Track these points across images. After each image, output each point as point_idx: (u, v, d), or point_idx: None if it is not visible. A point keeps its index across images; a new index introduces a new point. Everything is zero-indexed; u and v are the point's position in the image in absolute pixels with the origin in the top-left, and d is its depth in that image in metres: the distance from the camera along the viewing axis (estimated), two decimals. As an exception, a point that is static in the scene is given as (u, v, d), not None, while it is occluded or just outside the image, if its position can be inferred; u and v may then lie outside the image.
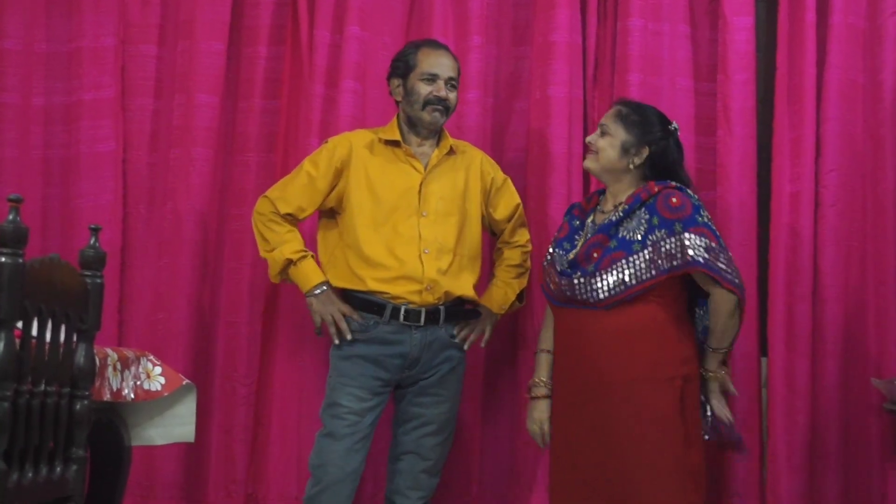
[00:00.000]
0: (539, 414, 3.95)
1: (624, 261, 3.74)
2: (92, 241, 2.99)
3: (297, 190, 4.09)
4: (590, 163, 3.94)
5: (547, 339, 4.01)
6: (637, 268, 3.75)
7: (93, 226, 3.04)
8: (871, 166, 4.60)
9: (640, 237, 3.75)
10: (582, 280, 3.77)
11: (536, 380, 3.99)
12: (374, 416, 4.03)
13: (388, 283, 3.98)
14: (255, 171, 4.64)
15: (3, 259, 2.48)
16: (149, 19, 4.71)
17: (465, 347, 4.13)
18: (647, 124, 3.88)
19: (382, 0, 4.68)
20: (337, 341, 4.01)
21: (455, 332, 4.10)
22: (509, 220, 4.27)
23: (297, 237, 4.11)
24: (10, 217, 2.51)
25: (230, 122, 4.69)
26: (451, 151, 4.18)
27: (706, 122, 4.69)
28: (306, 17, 4.65)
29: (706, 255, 3.69)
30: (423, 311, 4.00)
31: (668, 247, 3.74)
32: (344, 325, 3.97)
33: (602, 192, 4.03)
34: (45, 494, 2.76)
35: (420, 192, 4.07)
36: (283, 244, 4.06)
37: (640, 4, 4.64)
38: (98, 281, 2.95)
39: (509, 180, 4.31)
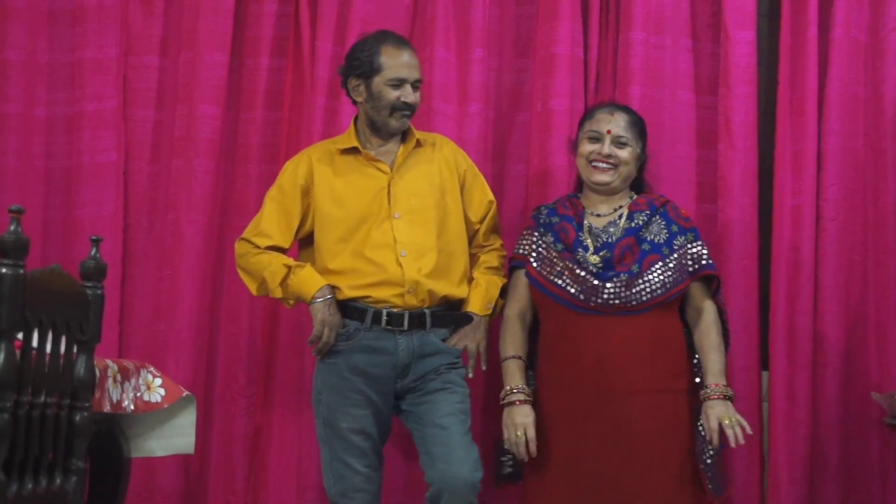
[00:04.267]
0: (522, 419, 3.83)
1: (660, 263, 3.81)
2: (93, 252, 2.99)
3: (270, 220, 4.03)
4: (609, 177, 3.93)
5: (516, 346, 3.95)
6: (671, 271, 3.84)
7: (94, 237, 3.04)
8: (872, 180, 4.61)
9: (663, 241, 3.82)
10: (626, 281, 3.77)
11: (511, 387, 3.89)
12: (380, 434, 3.95)
13: (368, 288, 3.90)
14: (256, 181, 4.63)
15: (4, 270, 2.48)
16: (151, 30, 4.71)
17: (472, 371, 4.00)
18: (645, 130, 3.97)
19: (384, 12, 4.67)
20: (318, 356, 3.94)
21: (447, 335, 3.99)
22: (482, 220, 4.17)
23: (285, 257, 4.04)
24: (11, 228, 2.51)
25: (232, 133, 4.69)
26: (419, 144, 4.10)
27: (708, 136, 4.69)
28: (308, 28, 4.66)
29: (712, 265, 3.89)
30: (407, 314, 3.91)
31: (692, 251, 3.90)
32: (329, 343, 3.88)
33: (575, 196, 4.05)
34: (45, 506, 2.76)
35: (389, 193, 4.00)
36: (272, 261, 3.97)
37: (642, 18, 4.64)
38: (99, 292, 2.95)
39: (481, 175, 4.24)
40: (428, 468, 3.87)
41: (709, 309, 3.89)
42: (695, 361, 3.93)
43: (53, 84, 4.70)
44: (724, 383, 3.82)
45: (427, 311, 3.95)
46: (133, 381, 3.33)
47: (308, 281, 3.91)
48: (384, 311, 3.91)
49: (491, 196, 4.23)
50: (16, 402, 2.53)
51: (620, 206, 3.96)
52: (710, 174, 4.66)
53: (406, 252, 3.93)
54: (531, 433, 3.80)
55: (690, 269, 3.88)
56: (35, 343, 2.64)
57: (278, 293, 3.97)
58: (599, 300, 3.80)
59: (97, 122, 4.64)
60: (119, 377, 3.24)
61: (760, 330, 4.56)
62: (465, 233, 4.13)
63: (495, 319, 4.12)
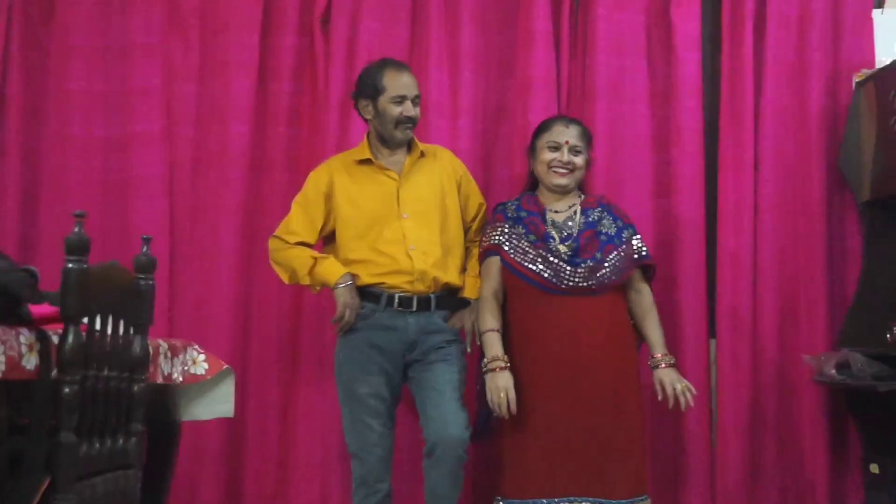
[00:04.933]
0: (504, 382, 3.79)
1: (615, 252, 3.86)
2: (144, 250, 2.99)
3: (298, 221, 4.05)
4: (567, 180, 3.96)
5: (492, 321, 3.92)
6: (622, 259, 3.87)
7: (145, 236, 3.05)
8: (800, 178, 4.63)
9: (614, 233, 3.89)
10: (591, 267, 3.81)
11: (492, 355, 3.85)
12: (393, 398, 3.98)
13: (383, 276, 3.93)
14: (281, 189, 4.64)
15: (70, 265, 2.49)
16: (189, 62, 4.72)
17: (469, 347, 4.03)
18: (592, 141, 4.05)
19: (387, 43, 4.67)
20: (340, 333, 3.97)
21: (447, 316, 4.02)
22: (474, 219, 4.20)
23: (311, 250, 4.06)
24: (76, 230, 2.51)
25: (260, 148, 4.70)
26: (422, 155, 4.12)
27: (662, 142, 4.71)
28: (322, 58, 4.68)
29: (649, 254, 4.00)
30: (415, 298, 3.94)
31: (634, 243, 3.95)
32: (350, 322, 3.92)
33: (530, 193, 4.06)
34: (110, 463, 2.76)
35: (398, 196, 4.02)
36: (301, 253, 4.01)
37: (605, 43, 4.67)
38: (150, 283, 2.96)
39: (474, 181, 4.26)
40: (425, 427, 3.92)
41: (646, 291, 4.00)
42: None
43: (108, 109, 4.71)
44: (667, 352, 3.94)
45: (432, 296, 3.98)
46: (181, 357, 3.33)
47: (331, 269, 3.94)
48: (396, 296, 3.93)
49: (482, 199, 4.25)
50: (84, 377, 2.55)
51: (574, 204, 3.98)
52: (665, 174, 4.69)
53: (414, 246, 3.95)
54: (512, 395, 3.78)
55: (635, 256, 3.94)
56: (98, 327, 2.64)
57: (306, 280, 4.00)
58: (571, 283, 3.81)
59: (145, 141, 4.65)
60: (169, 354, 3.24)
61: (708, 304, 4.59)
62: (462, 230, 4.16)
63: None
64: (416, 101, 4.03)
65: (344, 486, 4.43)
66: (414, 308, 3.95)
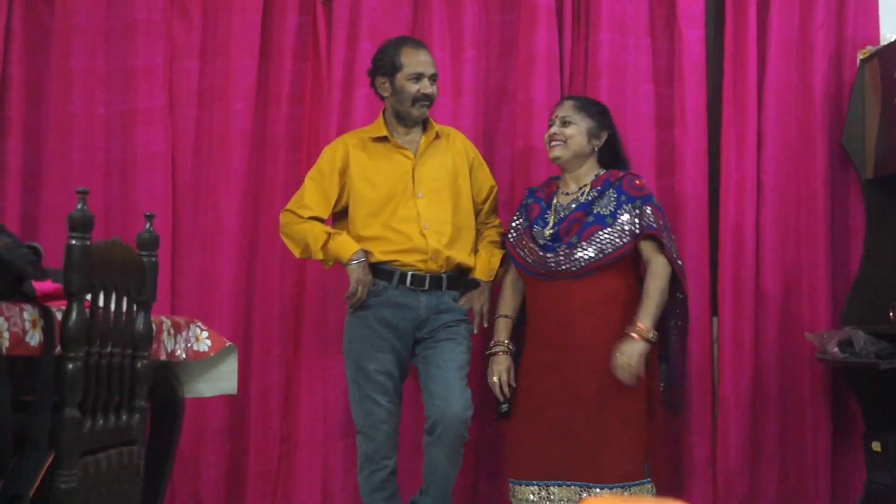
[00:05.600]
0: (498, 367, 3.93)
1: (601, 232, 3.77)
2: (147, 227, 2.98)
3: (311, 196, 4.05)
4: (560, 152, 3.92)
5: (506, 307, 4.00)
6: (611, 237, 3.77)
7: (147, 213, 3.04)
8: (804, 157, 4.62)
9: (609, 213, 3.78)
10: (566, 251, 3.78)
11: (494, 341, 3.98)
12: (401, 375, 4.00)
13: (396, 254, 3.94)
14: (283, 167, 4.65)
15: (74, 242, 2.48)
16: (191, 41, 4.71)
17: (477, 328, 4.04)
18: (604, 113, 3.96)
19: (388, 21, 4.66)
20: (352, 309, 3.99)
21: (457, 296, 4.04)
22: (485, 201, 4.21)
23: (325, 225, 4.08)
24: (79, 207, 2.50)
25: (261, 127, 4.69)
26: (437, 136, 4.13)
27: (664, 121, 4.70)
28: (324, 37, 4.66)
29: (659, 227, 3.78)
30: (428, 276, 3.96)
31: (632, 216, 3.80)
32: (362, 298, 3.93)
33: (557, 178, 4.04)
34: (114, 439, 2.76)
35: (413, 175, 4.03)
36: (314, 228, 4.01)
37: (608, 21, 4.64)
38: (153, 259, 2.95)
39: (485, 164, 4.27)
40: (427, 403, 3.94)
41: (656, 262, 3.81)
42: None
43: (110, 88, 4.70)
44: (647, 326, 3.72)
45: (444, 276, 3.99)
46: (184, 333, 3.32)
47: (345, 246, 3.95)
48: (409, 274, 3.95)
49: (493, 182, 4.27)
50: (87, 353, 2.54)
51: (585, 185, 3.95)
52: (668, 153, 4.67)
53: (428, 226, 3.97)
54: (504, 378, 3.90)
55: (637, 230, 3.81)
56: (101, 303, 2.63)
57: (319, 255, 4.00)
58: (549, 268, 3.81)
59: (148, 120, 4.65)
60: (172, 331, 3.23)
61: (711, 283, 4.58)
62: (473, 212, 4.16)
63: (496, 284, 4.17)
64: (433, 79, 4.04)
65: (346, 462, 4.45)
66: (426, 287, 3.96)
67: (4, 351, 2.33)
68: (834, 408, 4.53)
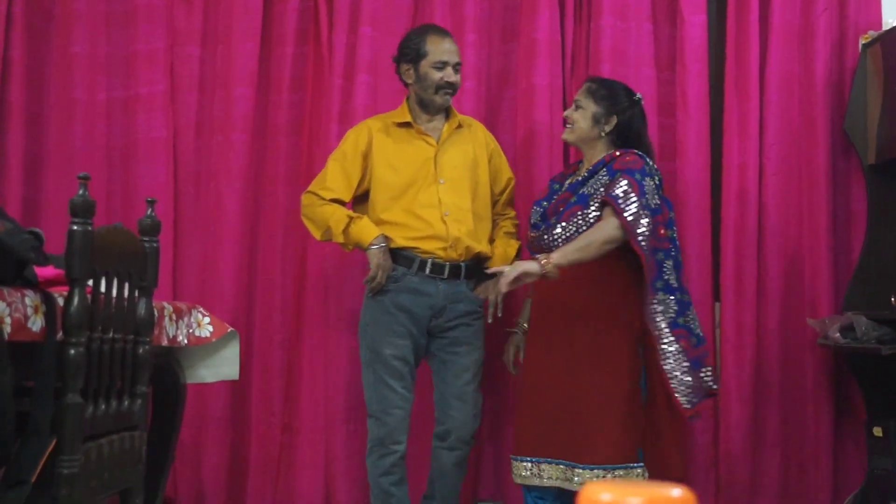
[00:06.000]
0: (510, 346, 4.01)
1: (580, 213, 3.71)
2: (149, 212, 2.98)
3: (334, 178, 4.05)
4: (567, 134, 3.91)
5: (531, 290, 3.99)
6: (587, 217, 3.71)
7: (149, 199, 3.04)
8: (805, 142, 4.61)
9: (592, 192, 3.71)
10: (547, 231, 3.77)
11: (516, 320, 4.05)
12: (415, 359, 4.01)
13: (417, 240, 3.96)
14: (284, 153, 4.64)
15: (75, 227, 2.49)
16: (192, 25, 4.70)
17: (491, 318, 4.03)
18: (614, 97, 3.86)
19: (390, 5, 4.66)
20: (370, 294, 3.99)
21: (473, 286, 4.06)
22: (502, 192, 4.23)
23: (346, 209, 4.07)
24: (80, 192, 2.51)
25: (263, 112, 4.68)
26: (459, 126, 4.14)
27: (667, 106, 4.68)
28: (326, 21, 4.65)
29: (620, 195, 3.60)
30: (448, 265, 3.97)
31: (603, 188, 3.68)
32: (381, 283, 3.94)
33: (582, 161, 4.03)
34: (115, 424, 2.77)
35: (435, 162, 4.04)
36: (336, 211, 4.00)
37: (610, 6, 4.63)
38: (155, 245, 2.95)
39: (504, 155, 4.29)
40: (440, 411, 4.03)
41: (606, 220, 3.62)
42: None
43: (111, 73, 4.69)
44: (556, 259, 3.54)
45: (462, 264, 4.01)
46: (186, 319, 3.33)
47: (366, 230, 3.96)
48: (429, 261, 3.96)
49: (511, 174, 4.28)
50: (89, 339, 2.55)
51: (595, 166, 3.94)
52: (670, 138, 4.66)
53: (449, 212, 3.98)
54: (511, 356, 4.02)
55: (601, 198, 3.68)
56: (103, 289, 2.63)
57: (340, 238, 3.99)
58: (537, 247, 3.80)
59: (149, 105, 4.64)
60: (174, 316, 3.23)
61: (713, 268, 4.57)
62: (490, 202, 4.18)
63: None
64: (457, 67, 4.06)
65: (348, 448, 4.46)
66: (445, 275, 3.98)
67: (6, 336, 2.33)
68: (835, 393, 4.53)
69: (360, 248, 3.99)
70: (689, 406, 3.66)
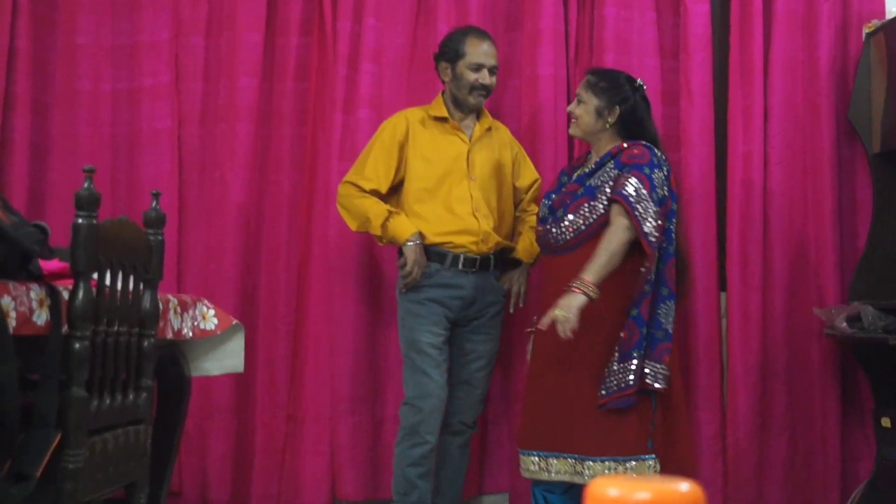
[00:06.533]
0: (530, 345, 3.88)
1: (587, 205, 3.68)
2: (154, 205, 2.98)
3: (372, 167, 4.08)
4: (573, 130, 3.90)
5: None
6: (592, 210, 3.66)
7: (154, 191, 3.02)
8: (810, 130, 4.59)
9: (598, 185, 3.68)
10: (555, 223, 3.74)
11: (533, 319, 3.92)
12: (448, 350, 4.07)
13: (450, 235, 4.02)
14: (289, 142, 4.63)
15: (80, 220, 2.48)
16: (197, 15, 4.68)
17: (512, 308, 4.16)
18: (614, 88, 3.81)
19: (395, -5, 4.65)
20: (404, 290, 4.03)
21: (498, 276, 4.14)
22: (527, 190, 4.28)
23: (383, 203, 4.08)
24: (85, 185, 2.50)
25: (267, 101, 4.66)
26: (490, 129, 4.20)
27: (670, 95, 4.67)
28: (330, 10, 4.63)
29: (632, 194, 3.56)
30: (479, 258, 4.04)
31: (614, 183, 3.63)
32: (417, 279, 3.99)
33: (590, 152, 4.00)
34: (120, 418, 2.76)
35: (468, 159, 4.10)
36: (375, 205, 4.03)
37: (614, -5, 4.62)
38: (159, 238, 2.95)
39: (528, 157, 4.34)
40: (451, 400, 4.09)
41: (615, 222, 3.58)
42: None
43: (116, 63, 4.68)
44: (590, 280, 3.48)
45: (491, 256, 4.08)
46: (191, 312, 3.32)
47: (403, 226, 4.00)
48: (462, 256, 4.03)
49: (537, 175, 4.34)
50: (93, 332, 2.54)
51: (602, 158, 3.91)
52: (674, 127, 4.64)
53: (479, 208, 4.05)
54: (528, 349, 3.90)
55: (608, 197, 3.64)
56: (108, 282, 2.62)
57: (378, 232, 4.04)
58: (545, 242, 3.79)
59: (154, 95, 4.63)
60: (179, 309, 3.23)
61: (718, 258, 4.56)
62: (513, 202, 4.26)
63: (535, 267, 4.22)
64: (493, 70, 4.12)
65: (353, 438, 4.46)
66: (476, 268, 4.05)
67: (11, 330, 2.32)
68: (842, 383, 4.51)
69: (395, 243, 4.03)
70: (604, 393, 3.59)
